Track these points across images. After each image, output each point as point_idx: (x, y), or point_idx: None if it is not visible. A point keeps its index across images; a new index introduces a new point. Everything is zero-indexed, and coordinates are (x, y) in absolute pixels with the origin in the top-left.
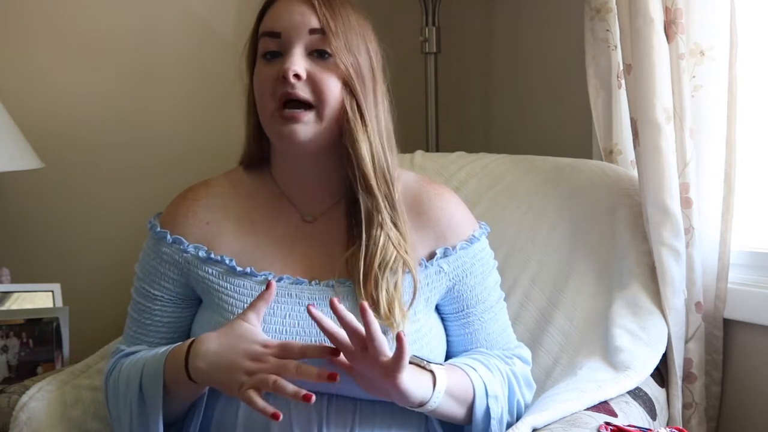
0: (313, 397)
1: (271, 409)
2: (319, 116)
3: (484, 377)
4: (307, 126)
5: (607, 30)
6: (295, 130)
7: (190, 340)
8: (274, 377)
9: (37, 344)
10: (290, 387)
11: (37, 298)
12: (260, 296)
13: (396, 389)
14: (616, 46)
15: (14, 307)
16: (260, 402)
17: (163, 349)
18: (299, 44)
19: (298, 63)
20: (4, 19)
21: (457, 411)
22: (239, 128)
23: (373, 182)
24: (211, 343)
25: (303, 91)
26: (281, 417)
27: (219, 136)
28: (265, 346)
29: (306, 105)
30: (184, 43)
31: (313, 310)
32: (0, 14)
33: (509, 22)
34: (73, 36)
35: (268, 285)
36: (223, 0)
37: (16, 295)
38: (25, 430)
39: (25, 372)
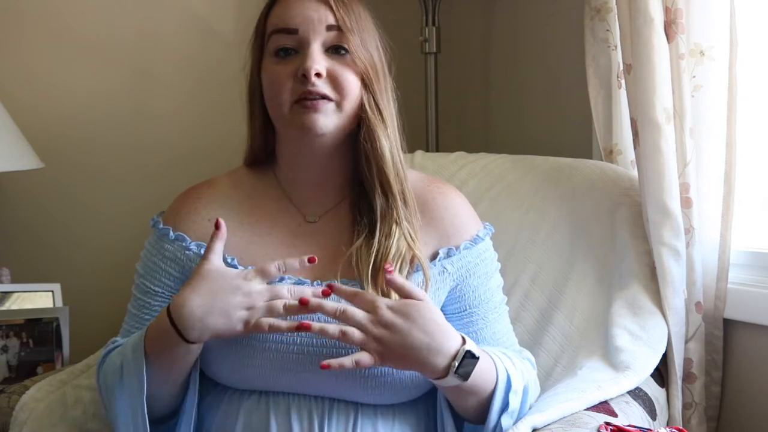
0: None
1: (296, 323)
2: (339, 107)
3: (508, 368)
4: (327, 117)
5: (607, 30)
6: (316, 119)
7: (164, 313)
8: (282, 301)
9: (37, 344)
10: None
11: (37, 298)
12: (213, 236)
13: (431, 313)
14: (616, 46)
15: (14, 307)
16: (284, 324)
17: (142, 330)
18: (317, 41)
19: (319, 61)
20: (4, 19)
21: (476, 390)
22: (239, 128)
23: (392, 179)
24: (191, 301)
25: (323, 88)
26: (312, 326)
27: (219, 136)
28: (244, 277)
29: (325, 96)
30: (184, 43)
31: (388, 273)
32: (0, 14)
33: (509, 22)
34: (73, 36)
35: (216, 223)
36: (223, 0)
37: (16, 295)
38: (25, 430)
39: (25, 372)
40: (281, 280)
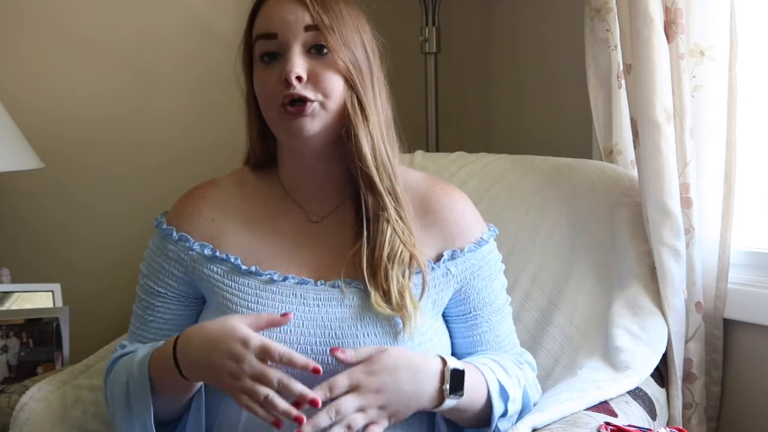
0: (305, 420)
1: (272, 417)
2: (324, 107)
3: (501, 379)
4: (314, 119)
5: (607, 30)
6: (303, 124)
7: (175, 337)
8: (266, 392)
9: (37, 344)
10: (282, 405)
11: (37, 298)
12: (270, 317)
13: (398, 352)
14: (616, 46)
15: (14, 307)
16: (260, 411)
17: (150, 346)
18: (296, 43)
19: (299, 64)
20: (4, 19)
21: (470, 406)
22: (239, 128)
23: (376, 178)
24: (193, 340)
25: (306, 91)
26: (282, 426)
27: (219, 136)
28: (245, 343)
29: (307, 99)
30: (184, 43)
31: (339, 354)
32: (0, 14)
33: (509, 22)
34: (73, 36)
35: (285, 314)
36: (223, 0)
37: (16, 295)
38: (25, 430)
39: (25, 372)
40: (285, 279)
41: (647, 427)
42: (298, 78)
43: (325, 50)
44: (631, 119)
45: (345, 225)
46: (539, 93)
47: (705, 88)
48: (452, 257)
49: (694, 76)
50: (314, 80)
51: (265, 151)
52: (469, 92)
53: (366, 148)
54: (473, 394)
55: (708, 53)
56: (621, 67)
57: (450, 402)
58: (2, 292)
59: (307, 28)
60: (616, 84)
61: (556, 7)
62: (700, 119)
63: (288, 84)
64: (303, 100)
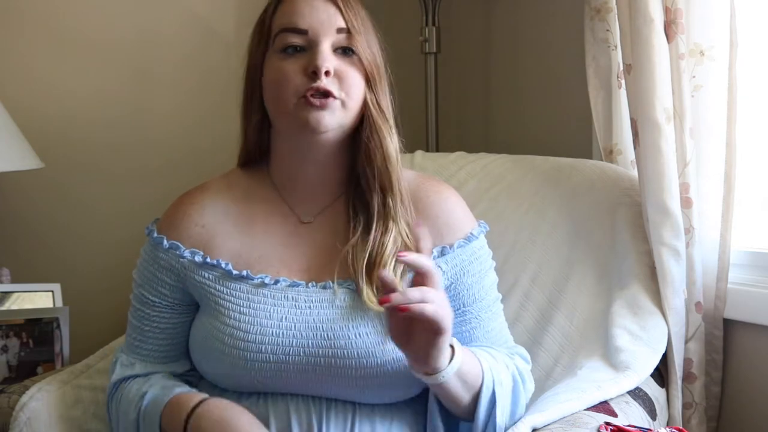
0: None
1: None
2: (344, 105)
3: (492, 366)
4: (333, 114)
5: (607, 30)
6: (322, 117)
7: (188, 410)
8: None
9: (37, 344)
10: None
11: (37, 298)
12: None
13: (441, 335)
14: (616, 46)
15: (14, 307)
16: None
17: (156, 394)
18: (326, 42)
19: (330, 59)
20: (4, 19)
21: (463, 394)
22: (239, 128)
23: (394, 176)
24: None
25: (331, 86)
26: None
27: (219, 137)
28: None
29: (331, 94)
30: (184, 43)
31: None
32: (0, 14)
33: (509, 22)
34: (73, 36)
35: None
36: (223, 0)
37: (16, 295)
38: (25, 430)
39: (25, 372)
40: (276, 282)
41: (647, 427)
42: (327, 72)
43: (349, 52)
44: (631, 119)
45: (337, 224)
46: (539, 93)
47: (705, 88)
48: (442, 254)
49: (694, 76)
50: (340, 78)
51: (258, 147)
52: (469, 92)
53: (391, 148)
54: (471, 368)
55: (708, 53)
56: (621, 67)
57: (455, 364)
58: (2, 292)
59: (339, 31)
60: (616, 84)
61: (556, 7)
62: (700, 119)
63: (315, 76)
64: (326, 95)
